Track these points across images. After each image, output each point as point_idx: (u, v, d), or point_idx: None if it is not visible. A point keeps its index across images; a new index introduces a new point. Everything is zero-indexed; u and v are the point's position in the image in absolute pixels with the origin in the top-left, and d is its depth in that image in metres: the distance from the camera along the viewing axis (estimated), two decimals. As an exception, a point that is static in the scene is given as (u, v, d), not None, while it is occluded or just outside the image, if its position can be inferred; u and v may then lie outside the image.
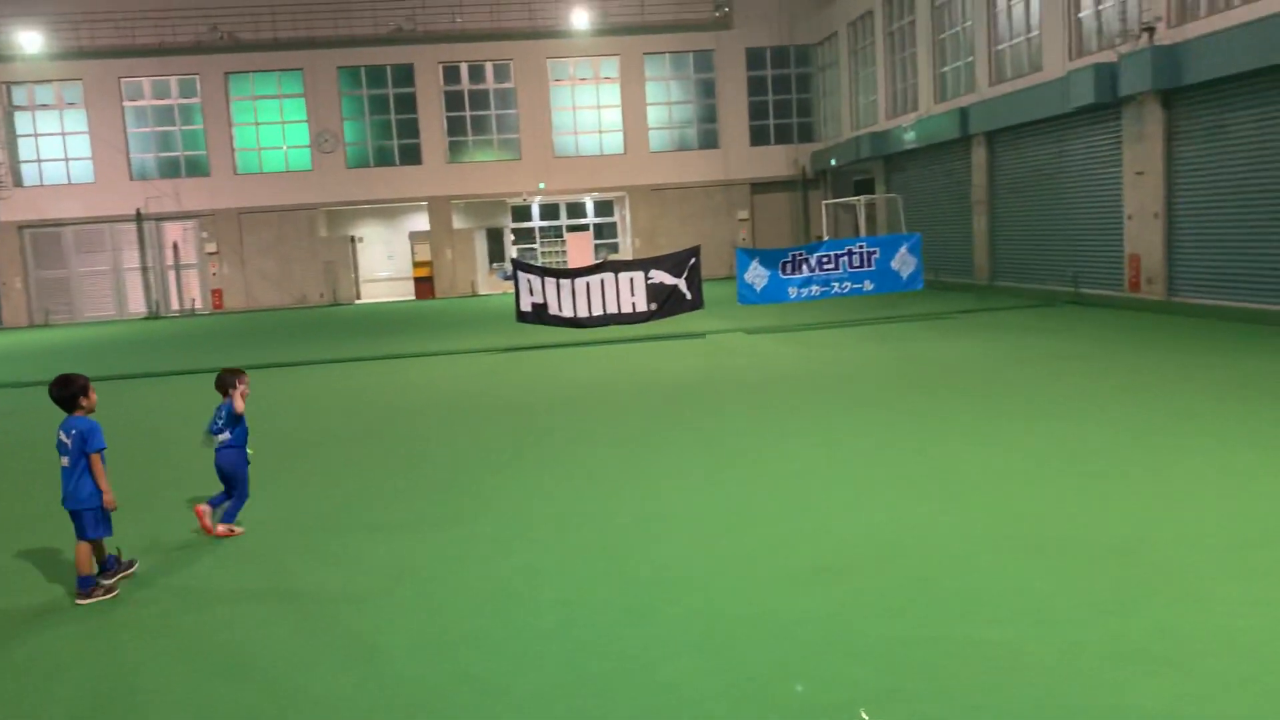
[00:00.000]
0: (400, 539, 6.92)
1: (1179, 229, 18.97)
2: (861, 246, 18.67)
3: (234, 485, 7.30)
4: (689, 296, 18.04)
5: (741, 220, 39.06)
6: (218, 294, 37.45)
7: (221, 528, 7.21)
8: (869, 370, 13.27)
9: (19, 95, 36.35)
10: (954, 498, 7.05)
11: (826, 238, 31.62)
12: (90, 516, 6.10)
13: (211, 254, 37.32)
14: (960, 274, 27.52)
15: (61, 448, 6.19)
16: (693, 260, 18.10)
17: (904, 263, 18.57)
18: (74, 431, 6.15)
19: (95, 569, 6.13)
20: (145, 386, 16.69)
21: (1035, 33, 23.36)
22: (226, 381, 7.36)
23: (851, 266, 18.39)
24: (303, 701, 4.51)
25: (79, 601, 5.99)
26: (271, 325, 29.13)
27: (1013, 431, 9.04)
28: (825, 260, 18.38)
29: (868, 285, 18.50)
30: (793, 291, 18.29)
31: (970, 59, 26.38)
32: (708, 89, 39.02)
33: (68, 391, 6.26)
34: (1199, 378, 11.12)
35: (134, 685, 4.79)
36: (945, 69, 28.18)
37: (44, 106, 36.56)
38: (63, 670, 5.02)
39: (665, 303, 17.96)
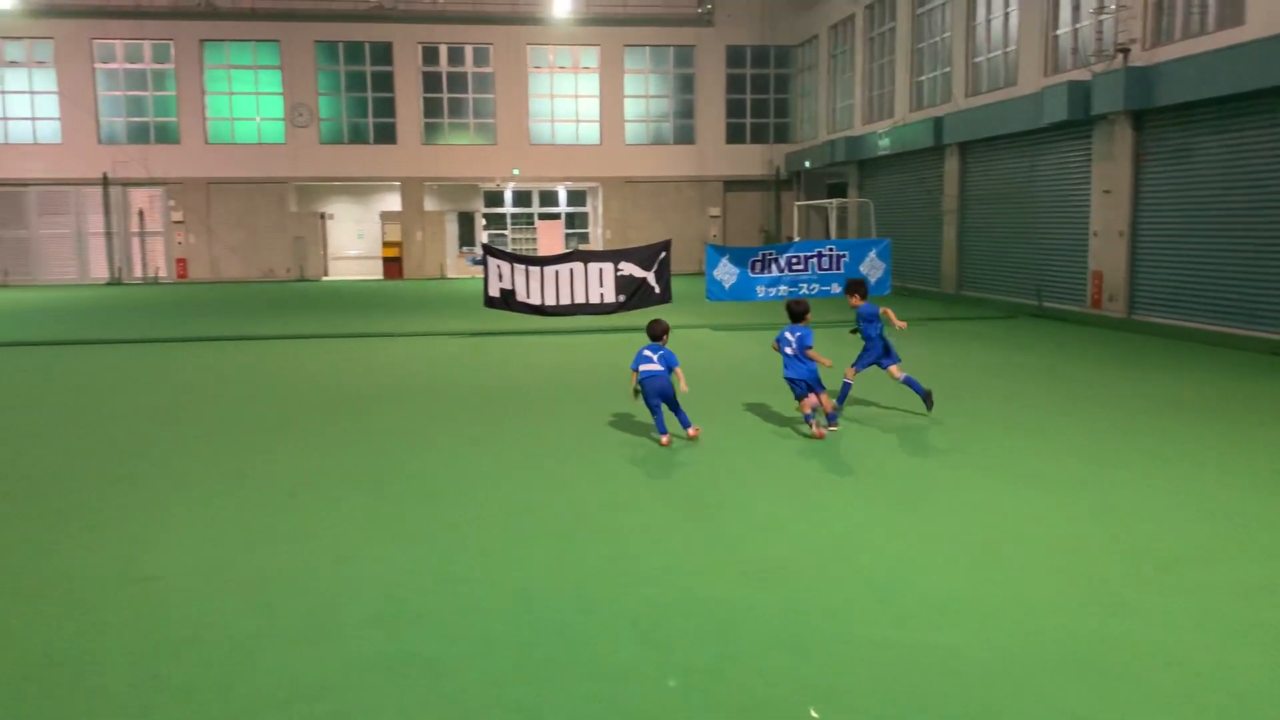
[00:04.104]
0: (352, 517, 6.92)
1: (1143, 248, 19.29)
2: (831, 249, 18.82)
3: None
4: (657, 290, 18.09)
5: (713, 217, 39.17)
6: (182, 263, 36.98)
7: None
8: (828, 372, 13.34)
9: (-13, 50, 35.64)
10: (903, 504, 7.16)
11: (796, 238, 31.78)
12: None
13: (178, 223, 36.81)
14: (927, 282, 27.79)
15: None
16: (663, 254, 18.14)
17: (873, 267, 18.74)
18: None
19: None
20: (107, 352, 16.47)
21: (1012, 48, 23.62)
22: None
23: (820, 269, 18.54)
24: (254, 675, 4.51)
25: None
26: (235, 298, 28.83)
27: (964, 441, 9.18)
28: (795, 261, 18.50)
29: (835, 288, 18.64)
30: (761, 290, 18.40)
31: (947, 69, 26.62)
32: (686, 84, 39.04)
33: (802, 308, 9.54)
34: (1149, 395, 11.34)
35: (87, 653, 4.77)
36: (922, 78, 28.40)
37: (13, 64, 35.86)
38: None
39: (633, 295, 18.00)
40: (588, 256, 18.26)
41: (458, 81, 37.91)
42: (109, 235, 36.61)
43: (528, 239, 39.58)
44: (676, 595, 5.41)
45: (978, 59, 25.34)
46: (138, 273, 37.07)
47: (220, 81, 36.79)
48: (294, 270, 37.31)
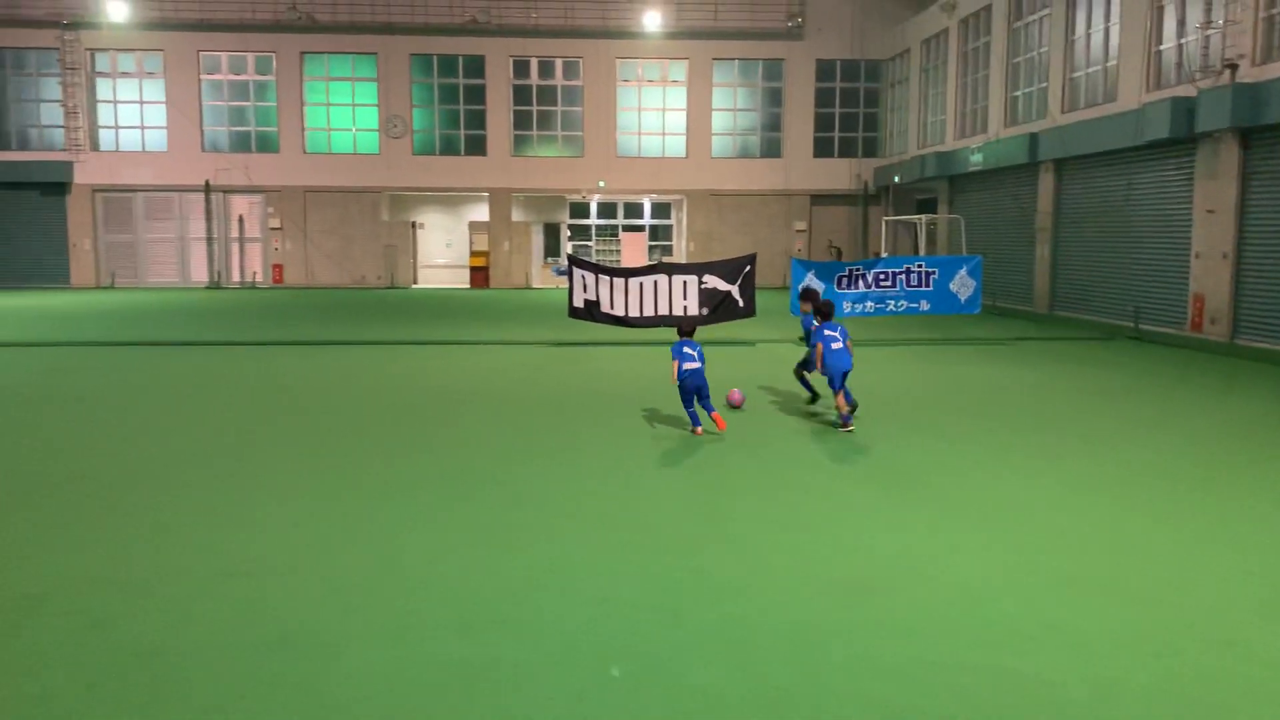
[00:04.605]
0: (437, 520, 7.02)
1: (1248, 270, 18.57)
2: (921, 266, 18.51)
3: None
4: (741, 304, 18.00)
5: (799, 231, 38.89)
6: (278, 269, 38.08)
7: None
8: (918, 391, 13.17)
9: (102, 62, 37.26)
10: (992, 525, 7.00)
11: (885, 254, 31.36)
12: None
13: (275, 229, 37.95)
14: (1019, 301, 27.16)
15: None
16: (748, 268, 18.06)
17: (963, 285, 18.38)
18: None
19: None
20: (206, 354, 17.03)
21: (1112, 62, 22.99)
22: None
23: (909, 285, 18.24)
24: (340, 673, 4.61)
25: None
26: (328, 303, 29.57)
27: (1058, 464, 8.93)
28: (883, 277, 18.24)
29: (924, 305, 18.33)
30: (847, 306, 18.17)
31: (1044, 85, 26.04)
32: (774, 97, 38.90)
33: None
34: (1253, 421, 10.89)
35: (185, 645, 4.93)
36: (1018, 93, 27.83)
37: (125, 74, 37.44)
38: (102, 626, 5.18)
39: (717, 308, 17.95)
40: (672, 269, 18.26)
41: (547, 94, 38.39)
42: (210, 240, 37.89)
43: (611, 251, 39.82)
44: (758, 612, 5.37)
45: (1075, 74, 24.73)
46: (236, 277, 38.27)
47: (319, 93, 37.86)
48: (384, 277, 38.11)
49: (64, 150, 36.93)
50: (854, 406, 10.45)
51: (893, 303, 18.32)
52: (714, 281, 17.95)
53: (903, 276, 18.31)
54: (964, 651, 4.87)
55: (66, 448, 9.53)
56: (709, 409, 10.03)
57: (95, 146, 37.23)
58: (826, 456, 9.23)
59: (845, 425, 10.23)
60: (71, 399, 12.42)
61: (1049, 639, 5.02)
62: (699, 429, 10.03)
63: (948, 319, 20.46)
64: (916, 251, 31.61)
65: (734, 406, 11.24)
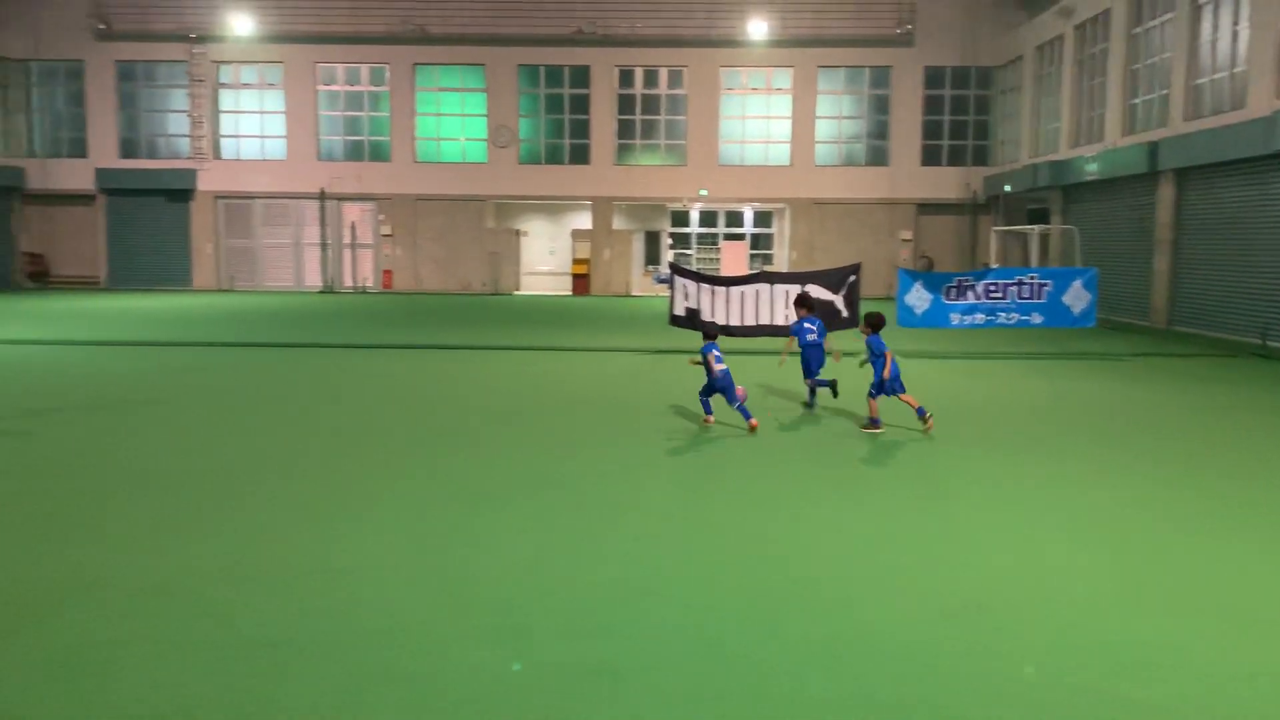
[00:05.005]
0: (537, 522, 7.09)
1: (1388, 286, 17.53)
2: (1033, 278, 17.99)
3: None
4: (845, 314, 17.73)
5: (905, 241, 38.23)
6: (388, 274, 39.11)
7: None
8: (1030, 407, 12.80)
9: (226, 74, 38.88)
10: (1111, 546, 6.74)
11: (996, 265, 30.58)
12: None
13: (386, 236, 39.01)
14: (1135, 315, 26.17)
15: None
16: (852, 277, 17.79)
17: (1077, 298, 17.80)
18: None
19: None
20: (318, 356, 17.58)
21: (1241, 68, 22.01)
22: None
23: (1020, 297, 17.75)
24: (446, 672, 4.69)
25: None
26: (434, 308, 30.23)
27: (1182, 485, 8.56)
28: (993, 288, 17.79)
29: (1036, 318, 17.81)
30: (955, 318, 17.78)
31: (1165, 91, 25.07)
32: (881, 105, 38.37)
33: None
34: (1399, 448, 10.26)
35: (296, 638, 5.08)
36: (1136, 100, 26.86)
37: (246, 86, 39.00)
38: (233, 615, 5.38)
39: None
40: (774, 278, 18.11)
41: (651, 103, 38.61)
42: (323, 246, 39.15)
43: (712, 259, 39.78)
44: (864, 627, 5.27)
45: (1200, 80, 23.75)
46: (348, 282, 39.44)
47: (429, 103, 38.81)
48: (489, 284, 38.81)
49: (189, 158, 38.65)
50: (878, 424, 10.85)
51: (1003, 315, 17.85)
52: (817, 291, 17.71)
53: (1014, 288, 17.83)
54: (1080, 675, 4.69)
55: (190, 444, 9.94)
56: (745, 412, 10.69)
57: (218, 155, 38.85)
58: (930, 471, 9.03)
59: (874, 426, 10.77)
60: (196, 396, 12.95)
61: (1167, 665, 4.80)
62: (711, 418, 11.01)
63: (1060, 333, 19.84)
64: (1027, 263, 30.73)
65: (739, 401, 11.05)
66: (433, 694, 4.45)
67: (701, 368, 10.92)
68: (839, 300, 17.75)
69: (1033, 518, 7.50)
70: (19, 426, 10.66)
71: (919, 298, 17.95)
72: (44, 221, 39.20)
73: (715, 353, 10.79)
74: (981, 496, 8.14)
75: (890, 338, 20.15)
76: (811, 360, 11.89)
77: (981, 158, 38.14)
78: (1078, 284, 17.90)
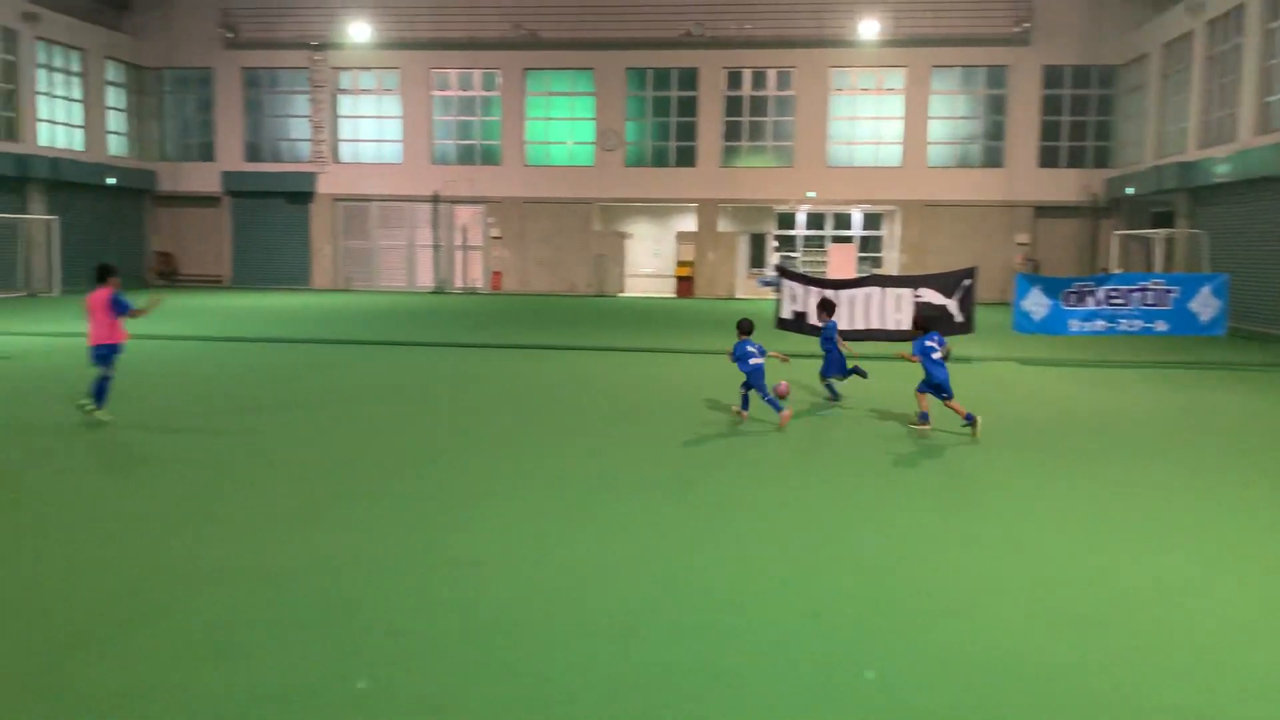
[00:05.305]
0: (651, 522, 7.11)
1: None
2: (1159, 283, 17.28)
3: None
4: (959, 319, 17.27)
5: (1021, 244, 37.15)
6: (497, 276, 39.80)
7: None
8: (1155, 418, 12.31)
9: (345, 80, 40.14)
10: (1243, 567, 6.42)
11: (1118, 270, 29.50)
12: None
13: (495, 238, 39.72)
14: (1269, 324, 24.88)
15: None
16: (967, 281, 17.32)
17: (1205, 304, 17.03)
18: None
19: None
20: (431, 354, 18.01)
21: (1391, 61, 20.74)
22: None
23: (1144, 304, 17.07)
24: (567, 667, 4.74)
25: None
26: (541, 309, 30.64)
27: (1326, 502, 8.11)
28: (1115, 294, 17.16)
29: (1160, 325, 17.10)
30: (1074, 325, 17.20)
31: (1306, 87, 23.79)
32: (997, 105, 37.39)
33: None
34: None
35: (423, 627, 5.21)
36: (1272, 98, 25.56)
37: (364, 91, 40.19)
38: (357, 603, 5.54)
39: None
40: (885, 281, 17.76)
41: (759, 105, 38.40)
42: (436, 248, 40.07)
43: (818, 262, 39.32)
44: (976, 638, 5.14)
45: (1345, 75, 22.45)
46: (458, 283, 40.28)
47: (539, 107, 39.37)
48: (594, 285, 39.14)
49: (309, 162, 40.00)
50: (926, 419, 11.07)
51: (1125, 322, 17.19)
52: (930, 295, 17.33)
53: (1138, 294, 17.16)
54: (1215, 700, 4.48)
55: (315, 437, 10.28)
56: (775, 405, 10.99)
57: (337, 159, 40.13)
58: (1052, 481, 8.74)
59: (922, 422, 10.96)
60: (322, 391, 13.41)
61: (1321, 695, 4.55)
62: (745, 413, 11.38)
63: (1186, 340, 19.00)
64: (1150, 268, 29.54)
65: (781, 396, 11.33)
66: (544, 690, 4.51)
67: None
68: (952, 305, 17.32)
69: (1159, 534, 7.20)
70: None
71: (1037, 303, 17.43)
72: (173, 222, 41.10)
73: (749, 348, 11.03)
74: (1099, 509, 7.85)
75: (1005, 343, 19.70)
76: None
77: (1103, 159, 36.83)
78: (1206, 290, 17.13)
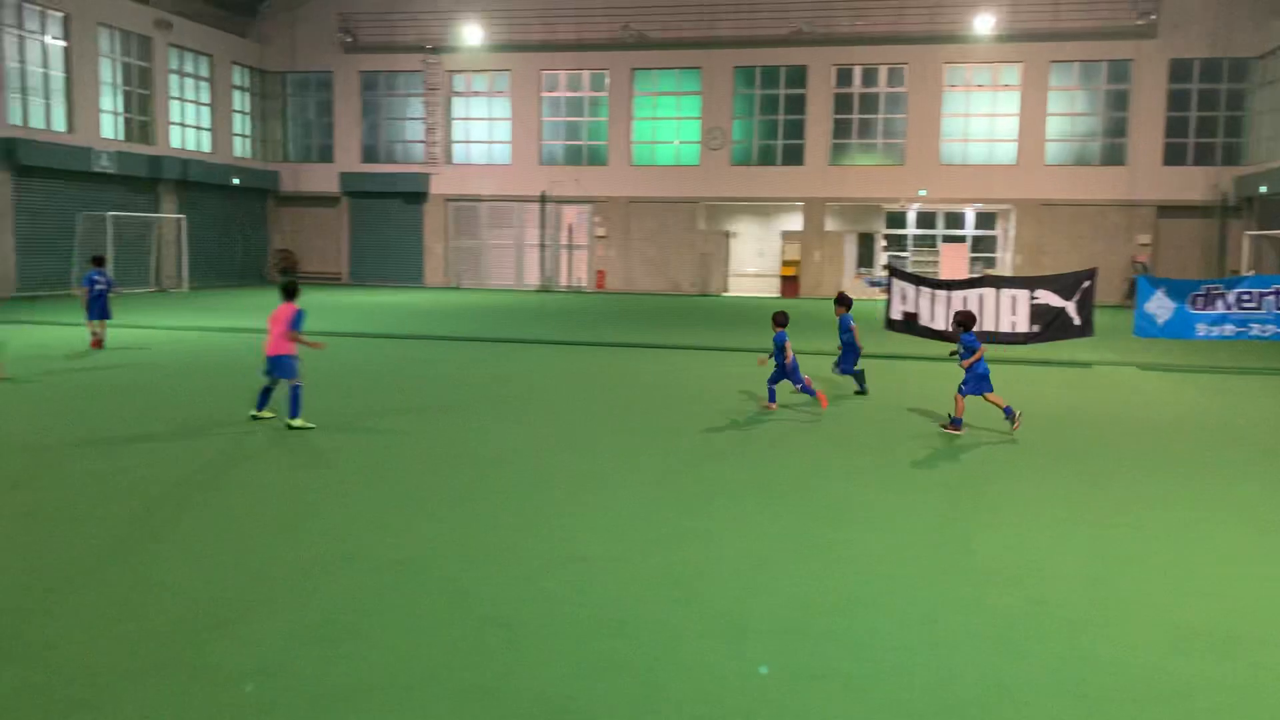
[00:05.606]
0: (759, 525, 7.09)
1: None
2: (1295, 286, 16.42)
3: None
4: (1078, 322, 16.69)
5: (1143, 245, 35.74)
6: (601, 275, 40.14)
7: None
8: (1290, 427, 11.70)
9: (459, 82, 41.01)
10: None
11: (1250, 273, 28.13)
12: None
13: (600, 237, 40.07)
14: None
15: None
16: (1087, 283, 16.72)
17: (1345, 309, 16.11)
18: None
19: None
20: (544, 351, 18.28)
21: None
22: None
23: (1279, 308, 16.24)
24: (674, 665, 4.76)
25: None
26: (645, 309, 30.77)
27: None
28: (1246, 297, 16.36)
29: (1295, 330, 16.24)
30: (1201, 329, 16.48)
31: None
32: (1119, 101, 36.05)
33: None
34: None
35: (532, 619, 5.30)
36: None
37: (476, 93, 41.00)
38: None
39: (1049, 326, 16.78)
40: (1000, 282, 17.29)
41: (869, 102, 37.83)
42: (542, 247, 40.62)
43: (929, 262, 38.52)
44: (1107, 652, 4.97)
45: None
46: (563, 281, 40.77)
47: (646, 107, 39.56)
48: (697, 285, 39.13)
49: (423, 163, 41.00)
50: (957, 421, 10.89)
51: (1257, 326, 16.38)
52: (1047, 297, 16.80)
53: (1271, 297, 16.32)
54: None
55: (421, 429, 10.55)
56: (809, 391, 11.84)
57: (449, 160, 41.02)
58: (1171, 490, 8.39)
59: (954, 427, 10.75)
60: (433, 386, 13.75)
61: None
62: (774, 404, 12.00)
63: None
64: (1285, 270, 28.07)
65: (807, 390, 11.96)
66: (656, 688, 4.53)
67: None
68: (1071, 307, 16.77)
69: (1264, 543, 6.85)
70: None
71: (1160, 306, 16.76)
72: (293, 221, 42.63)
73: (787, 341, 11.70)
74: (1231, 521, 7.50)
75: (1126, 348, 18.99)
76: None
77: (1233, 156, 35.14)
78: (1349, 294, 16.19)
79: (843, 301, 14.06)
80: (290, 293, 10.72)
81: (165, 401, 12.15)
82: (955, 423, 10.76)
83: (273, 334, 10.55)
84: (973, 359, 10.77)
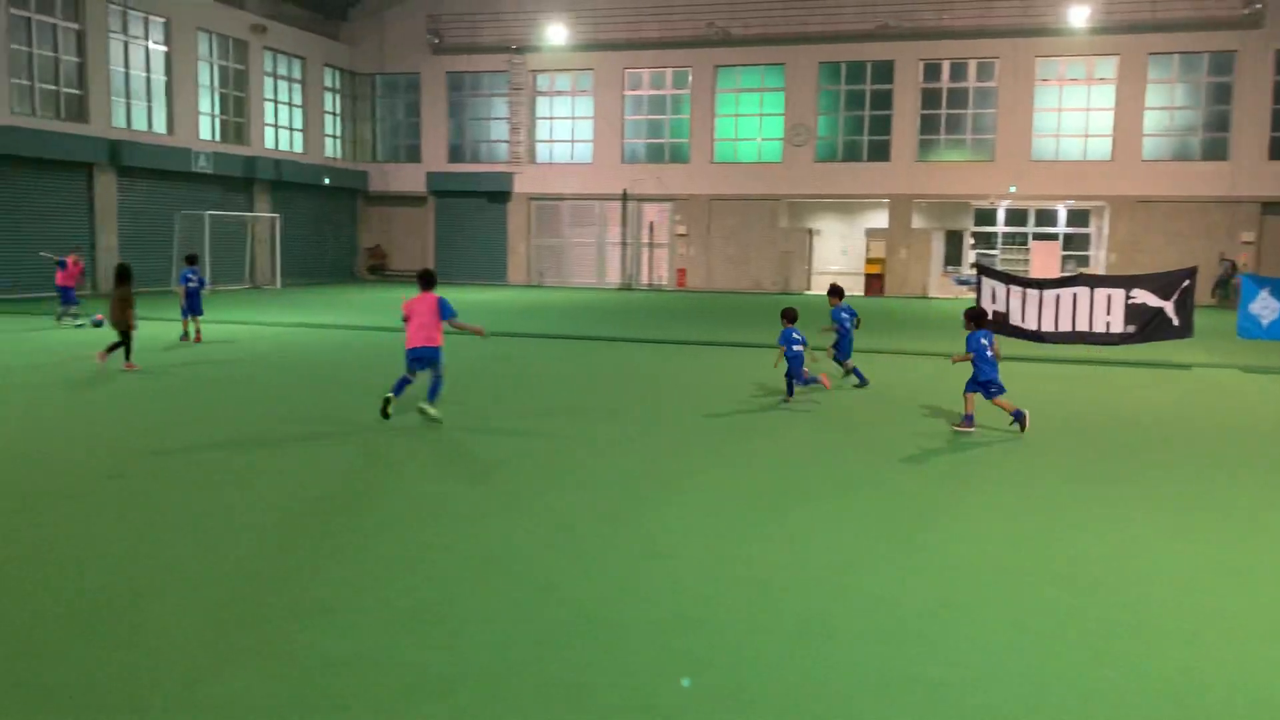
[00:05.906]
0: (843, 525, 6.99)
1: None
2: None
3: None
4: (1176, 323, 16.10)
5: (1245, 244, 34.39)
6: (682, 273, 40.13)
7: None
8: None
9: (542, 82, 41.39)
10: None
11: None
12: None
13: (681, 235, 40.05)
14: None
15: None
16: (1186, 282, 16.11)
17: None
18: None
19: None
20: (628, 349, 18.33)
21: None
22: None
23: (1395, 308, 15.48)
24: (759, 667, 4.73)
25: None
26: (726, 307, 30.66)
27: None
28: (1359, 298, 15.63)
29: None
30: (1309, 331, 15.79)
31: None
32: (1220, 94, 34.74)
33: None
34: None
35: (613, 616, 5.31)
36: None
37: (560, 92, 41.33)
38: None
39: (1146, 326, 16.21)
40: (1095, 281, 16.75)
41: (957, 97, 37.11)
42: (624, 245, 40.78)
43: (1019, 260, 37.64)
44: (1214, 666, 4.78)
45: None
46: (644, 280, 40.87)
47: (729, 104, 39.41)
48: (779, 283, 38.85)
49: (507, 163, 41.49)
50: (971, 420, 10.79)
51: (1373, 327, 15.63)
52: (1144, 296, 16.23)
53: (1388, 298, 15.58)
54: None
55: (509, 427, 10.66)
56: (810, 380, 12.17)
57: (533, 159, 41.43)
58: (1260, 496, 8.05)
59: (967, 425, 10.63)
60: (521, 383, 13.91)
61: None
62: (791, 398, 12.21)
63: None
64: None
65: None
66: (733, 688, 4.48)
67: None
68: (1169, 307, 16.18)
69: None
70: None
71: (1266, 306, 16.10)
72: (382, 220, 43.53)
73: (794, 336, 11.98)
74: (1351, 532, 7.16)
75: (1228, 349, 18.29)
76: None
77: (1345, 149, 33.62)
78: None
79: (835, 293, 14.45)
80: (428, 282, 10.32)
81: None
82: (967, 420, 10.69)
83: (413, 326, 10.13)
84: (961, 358, 10.92)
